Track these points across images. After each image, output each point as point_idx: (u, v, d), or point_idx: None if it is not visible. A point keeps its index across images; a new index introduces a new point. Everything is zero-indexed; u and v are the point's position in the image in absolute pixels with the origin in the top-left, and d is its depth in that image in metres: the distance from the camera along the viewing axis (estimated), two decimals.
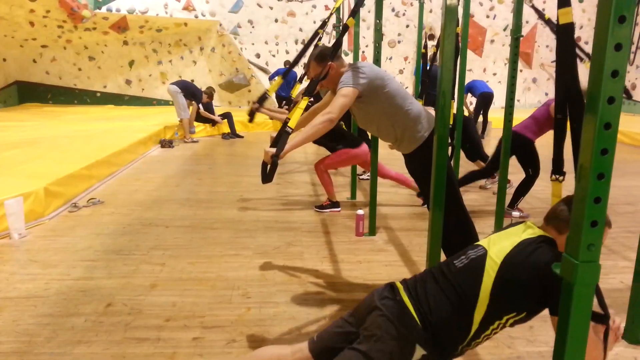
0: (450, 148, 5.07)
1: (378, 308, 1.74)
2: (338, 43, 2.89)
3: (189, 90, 9.42)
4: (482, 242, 1.84)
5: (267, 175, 2.46)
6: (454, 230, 2.78)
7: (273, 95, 9.37)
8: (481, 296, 1.65)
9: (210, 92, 10.02)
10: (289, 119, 2.70)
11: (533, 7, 4.76)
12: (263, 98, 4.14)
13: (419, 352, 1.66)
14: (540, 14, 4.78)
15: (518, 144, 4.57)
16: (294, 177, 6.62)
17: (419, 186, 3.10)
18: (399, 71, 13.85)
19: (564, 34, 1.60)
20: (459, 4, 2.16)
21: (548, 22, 4.63)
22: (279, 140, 2.51)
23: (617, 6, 1.06)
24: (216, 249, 3.92)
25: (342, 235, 4.31)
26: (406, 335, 1.65)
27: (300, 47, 13.29)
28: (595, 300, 1.54)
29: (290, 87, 9.41)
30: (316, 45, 4.18)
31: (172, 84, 9.45)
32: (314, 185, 6.10)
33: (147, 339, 2.64)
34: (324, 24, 3.85)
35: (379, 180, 4.72)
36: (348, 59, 5.36)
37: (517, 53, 3.91)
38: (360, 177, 6.31)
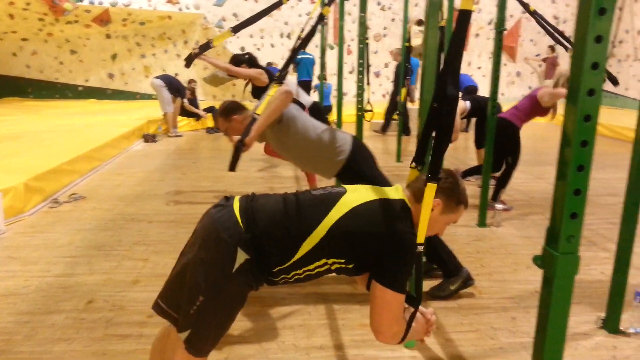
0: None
1: (206, 215, 1.72)
2: (312, 32, 2.89)
3: (173, 86, 9.33)
4: (349, 186, 1.82)
5: (232, 162, 2.42)
6: None
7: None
8: (317, 229, 1.62)
9: (192, 88, 9.97)
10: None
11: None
12: (206, 46, 4.19)
13: (241, 256, 1.60)
14: (525, 6, 4.79)
15: (506, 130, 4.65)
16: (279, 171, 6.59)
17: None
18: (385, 65, 13.85)
19: (461, 19, 1.53)
20: None
21: (534, 14, 4.64)
22: (246, 127, 2.52)
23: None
24: None
25: None
26: (225, 239, 1.60)
27: (285, 40, 13.22)
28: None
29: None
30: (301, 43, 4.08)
31: (156, 77, 9.35)
32: (297, 179, 6.08)
33: (129, 335, 2.61)
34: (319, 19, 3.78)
35: None
36: (333, 53, 5.34)
37: (501, 47, 3.92)
38: None
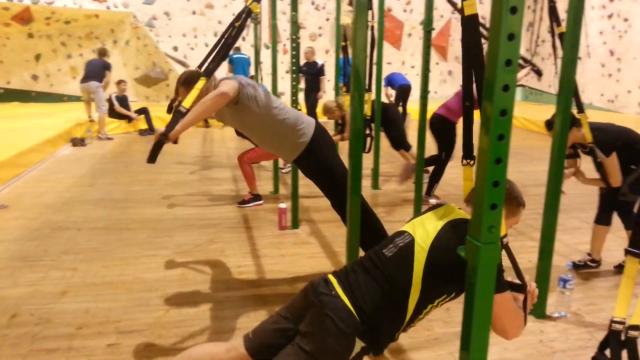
0: (369, 139, 5.17)
1: (315, 304, 1.72)
2: (241, 27, 2.84)
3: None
4: (407, 227, 1.85)
5: (152, 154, 2.33)
6: (361, 222, 2.81)
7: None
8: (414, 283, 1.67)
9: (122, 89, 9.63)
10: None
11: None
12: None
13: (359, 344, 1.67)
14: (455, 6, 4.94)
15: (443, 125, 4.83)
16: (215, 173, 6.48)
17: (321, 189, 3.11)
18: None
19: (470, 24, 1.65)
20: None
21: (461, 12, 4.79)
22: (171, 119, 2.43)
23: None
24: (132, 251, 3.75)
25: (265, 229, 4.28)
26: (345, 331, 1.64)
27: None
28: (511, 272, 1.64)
29: None
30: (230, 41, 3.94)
31: (92, 80, 8.86)
32: (235, 181, 6.00)
33: (57, 349, 2.48)
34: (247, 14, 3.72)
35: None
36: (267, 53, 5.31)
37: (429, 46, 4.03)
38: (282, 170, 6.28)
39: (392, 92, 9.53)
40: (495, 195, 1.21)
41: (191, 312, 2.86)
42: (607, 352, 1.59)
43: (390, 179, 6.22)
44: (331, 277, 1.80)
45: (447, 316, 2.86)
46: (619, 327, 1.54)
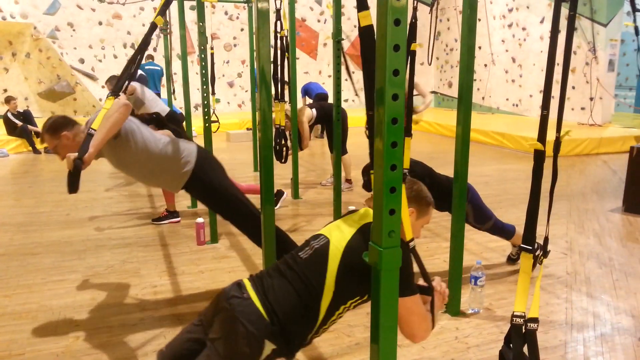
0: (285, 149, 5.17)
1: (225, 309, 1.70)
2: (145, 42, 2.76)
3: None
4: (323, 230, 1.87)
5: (71, 183, 2.23)
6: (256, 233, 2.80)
7: None
8: (327, 284, 1.68)
9: (13, 105, 9.06)
10: None
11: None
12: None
13: (269, 347, 1.65)
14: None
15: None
16: (130, 189, 6.22)
17: (215, 211, 3.09)
18: (238, 74, 13.83)
19: (366, 35, 1.68)
20: (269, 6, 2.19)
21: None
22: (82, 143, 2.33)
23: (393, 11, 1.14)
24: (38, 277, 3.51)
25: (182, 246, 4.15)
26: (254, 333, 1.63)
27: (129, 51, 12.55)
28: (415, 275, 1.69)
29: None
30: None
31: None
32: (150, 196, 5.79)
33: None
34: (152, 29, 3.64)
35: None
36: (178, 64, 5.19)
37: (339, 55, 4.11)
38: None
39: (310, 102, 9.63)
40: (392, 201, 1.24)
41: (103, 337, 2.71)
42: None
43: (310, 186, 6.26)
44: (245, 281, 1.80)
45: (368, 321, 2.88)
46: (519, 320, 1.63)
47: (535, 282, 1.69)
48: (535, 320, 1.60)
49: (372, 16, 1.49)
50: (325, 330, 1.83)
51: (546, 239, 1.72)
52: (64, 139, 2.64)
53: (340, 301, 1.73)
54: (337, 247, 1.73)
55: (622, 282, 3.43)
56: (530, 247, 1.67)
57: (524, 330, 1.64)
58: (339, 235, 1.77)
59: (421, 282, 1.77)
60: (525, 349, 1.67)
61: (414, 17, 2.91)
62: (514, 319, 1.64)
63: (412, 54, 2.87)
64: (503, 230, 3.54)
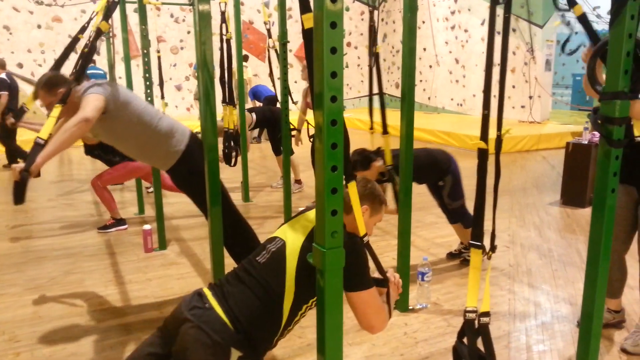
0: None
1: (188, 320, 1.67)
2: (92, 48, 2.69)
3: None
4: (278, 233, 1.88)
5: (17, 194, 2.16)
6: (233, 234, 2.81)
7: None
8: (287, 285, 1.69)
9: None
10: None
11: None
12: (21, 111, 3.69)
13: (235, 354, 1.64)
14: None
15: None
16: (73, 197, 6.01)
17: (193, 200, 3.03)
18: (185, 78, 13.60)
19: (310, 37, 1.68)
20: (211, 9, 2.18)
21: None
22: (29, 153, 2.25)
23: (328, 14, 1.16)
24: None
25: (129, 254, 4.05)
26: (219, 342, 1.61)
27: (72, 55, 12.10)
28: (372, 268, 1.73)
29: None
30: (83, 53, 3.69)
31: None
32: (96, 204, 5.60)
33: None
34: (83, 28, 3.54)
35: (167, 192, 4.56)
36: (122, 68, 5.07)
37: (286, 58, 4.12)
38: (149, 190, 6.00)
39: (260, 105, 9.59)
40: (334, 202, 1.26)
41: (46, 353, 2.61)
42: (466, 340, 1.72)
43: (261, 189, 6.24)
44: (205, 290, 1.78)
45: None
46: (472, 315, 1.67)
47: (484, 276, 1.74)
48: (487, 314, 1.64)
49: None
50: (290, 331, 1.83)
51: (493, 234, 1.78)
52: (60, 97, 2.52)
53: (302, 301, 1.74)
54: (293, 248, 1.74)
55: (561, 272, 3.60)
56: (480, 243, 1.71)
57: (476, 325, 1.68)
58: (294, 236, 1.78)
59: (376, 274, 1.81)
60: (479, 343, 1.72)
61: (372, 20, 2.98)
62: (467, 314, 1.68)
63: (376, 56, 2.96)
64: (465, 216, 3.65)
